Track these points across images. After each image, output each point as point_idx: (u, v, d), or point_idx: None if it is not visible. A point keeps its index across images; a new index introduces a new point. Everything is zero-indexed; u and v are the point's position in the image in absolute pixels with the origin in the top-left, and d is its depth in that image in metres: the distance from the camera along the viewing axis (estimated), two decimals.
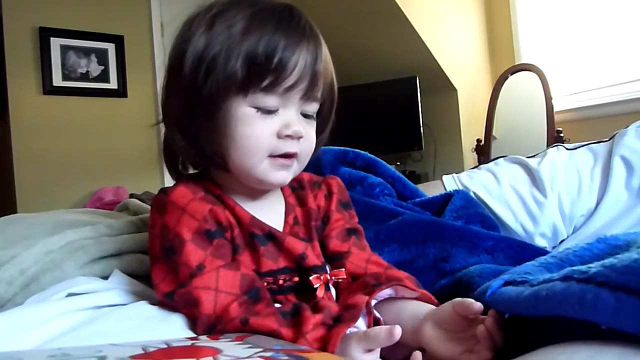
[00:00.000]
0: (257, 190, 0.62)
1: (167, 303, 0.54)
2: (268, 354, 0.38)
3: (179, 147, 0.59)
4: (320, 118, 0.63)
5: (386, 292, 0.59)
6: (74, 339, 0.46)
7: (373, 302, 0.56)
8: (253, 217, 0.59)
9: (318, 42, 0.58)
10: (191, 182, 0.59)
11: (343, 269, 0.62)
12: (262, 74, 0.53)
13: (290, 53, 0.54)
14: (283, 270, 0.59)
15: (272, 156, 0.56)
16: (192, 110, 0.56)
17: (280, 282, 0.58)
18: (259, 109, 0.55)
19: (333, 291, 0.62)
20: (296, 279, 0.59)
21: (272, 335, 0.49)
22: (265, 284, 0.57)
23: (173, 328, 0.51)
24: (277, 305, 0.56)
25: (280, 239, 0.59)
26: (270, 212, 0.62)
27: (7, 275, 0.64)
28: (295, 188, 0.68)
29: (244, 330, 0.49)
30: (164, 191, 0.57)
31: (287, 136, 0.56)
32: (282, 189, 0.66)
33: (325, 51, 0.59)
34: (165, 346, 0.40)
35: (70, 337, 0.47)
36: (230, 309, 0.51)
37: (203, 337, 0.46)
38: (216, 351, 0.39)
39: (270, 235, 0.59)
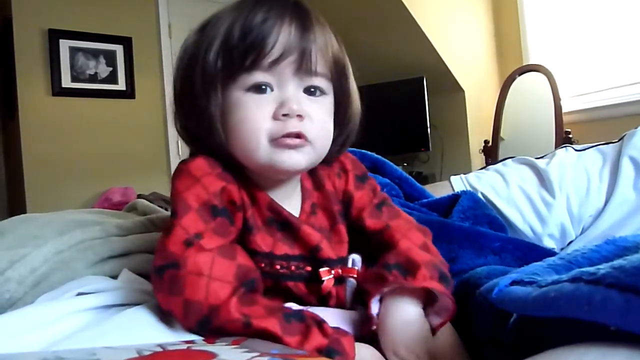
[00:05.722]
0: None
1: (154, 280, 0.50)
2: (265, 359, 0.38)
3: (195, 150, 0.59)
4: (335, 100, 0.59)
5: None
6: (83, 338, 0.47)
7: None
8: (272, 201, 0.57)
9: (307, 15, 0.55)
10: (212, 157, 0.56)
11: (355, 268, 0.60)
12: (241, 55, 0.52)
13: (269, 26, 0.52)
14: (297, 258, 0.58)
15: (274, 140, 0.53)
16: (194, 115, 0.56)
17: (293, 268, 0.57)
18: (249, 88, 0.54)
19: (349, 290, 0.60)
20: (309, 268, 0.58)
21: (275, 341, 0.47)
22: (278, 267, 0.56)
23: (180, 328, 0.51)
24: (282, 302, 0.55)
25: (297, 226, 0.58)
26: (287, 198, 0.60)
27: (18, 274, 0.65)
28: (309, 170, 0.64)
29: (245, 332, 0.47)
30: (184, 161, 0.56)
31: (285, 115, 0.53)
32: None
33: (321, 25, 0.56)
34: (161, 349, 0.39)
35: (80, 336, 0.47)
36: (230, 306, 0.47)
37: (199, 341, 0.45)
38: (212, 355, 0.38)
39: (287, 221, 0.58)
